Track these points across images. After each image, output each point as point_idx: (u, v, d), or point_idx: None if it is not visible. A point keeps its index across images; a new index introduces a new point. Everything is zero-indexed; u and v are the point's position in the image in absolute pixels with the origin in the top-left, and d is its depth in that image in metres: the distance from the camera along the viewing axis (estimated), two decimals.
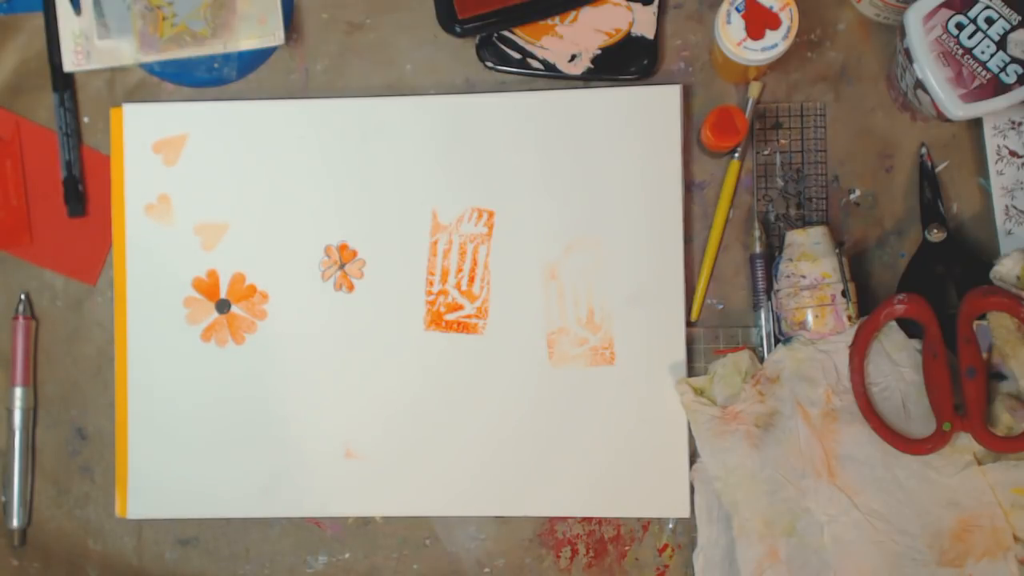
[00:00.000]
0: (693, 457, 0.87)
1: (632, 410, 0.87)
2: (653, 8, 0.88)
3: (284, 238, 0.89)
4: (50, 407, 0.91)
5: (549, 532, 0.89)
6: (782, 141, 0.88)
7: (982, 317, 0.81)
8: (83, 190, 0.91)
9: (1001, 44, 0.79)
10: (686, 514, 0.87)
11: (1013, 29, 0.79)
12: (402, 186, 0.89)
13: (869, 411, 0.82)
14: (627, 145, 0.88)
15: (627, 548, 0.89)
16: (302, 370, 0.89)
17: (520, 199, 0.88)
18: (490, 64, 0.89)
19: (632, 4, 0.88)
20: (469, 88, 0.90)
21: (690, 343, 0.88)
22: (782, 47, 0.81)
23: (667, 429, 0.87)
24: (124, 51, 0.90)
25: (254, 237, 0.90)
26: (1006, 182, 0.86)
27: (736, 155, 0.88)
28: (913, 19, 0.80)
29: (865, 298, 0.86)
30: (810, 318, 0.83)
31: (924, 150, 0.87)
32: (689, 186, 0.89)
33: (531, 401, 0.88)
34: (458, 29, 0.87)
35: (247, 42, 0.89)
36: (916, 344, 0.83)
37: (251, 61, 0.91)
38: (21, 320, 0.91)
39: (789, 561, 0.83)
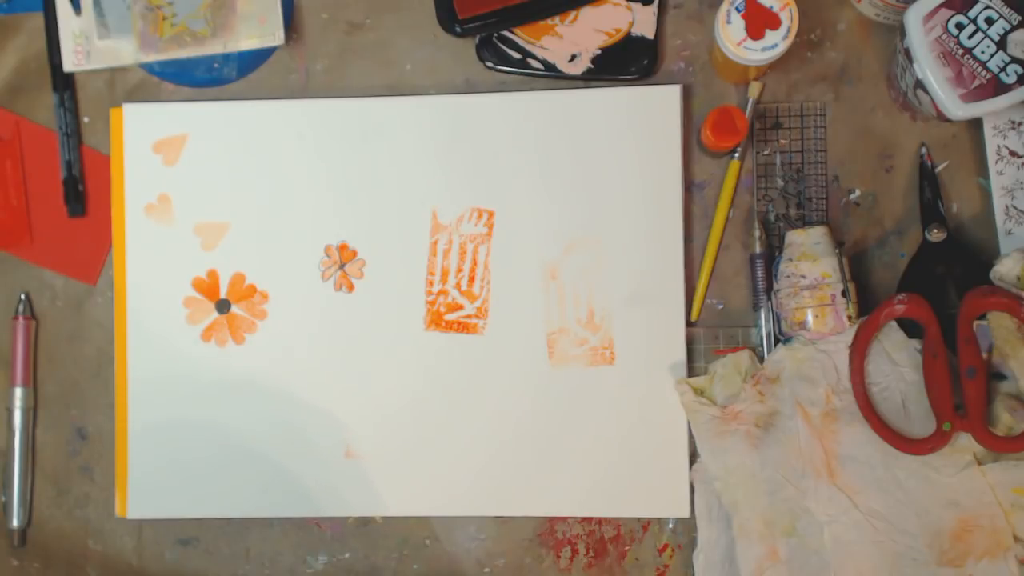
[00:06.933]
0: (693, 457, 0.87)
1: (632, 410, 0.87)
2: (653, 8, 0.88)
3: (284, 238, 0.89)
4: (50, 407, 0.91)
5: (549, 532, 0.89)
6: (782, 141, 0.88)
7: (982, 317, 0.81)
8: (83, 190, 0.91)
9: (1001, 44, 0.79)
10: (686, 514, 0.87)
11: (1013, 29, 0.79)
12: (402, 186, 0.89)
13: (869, 411, 0.82)
14: (627, 145, 0.88)
15: (627, 548, 0.89)
16: (302, 370, 0.89)
17: (520, 199, 0.88)
18: (490, 64, 0.89)
19: (632, 4, 0.88)
20: (469, 88, 0.90)
21: (690, 343, 0.88)
22: (782, 47, 0.81)
23: (667, 429, 0.87)
24: (124, 51, 0.90)
25: (254, 237, 0.90)
26: (1006, 182, 0.86)
27: (736, 155, 0.88)
28: (913, 19, 0.80)
29: (865, 298, 0.86)
30: (810, 318, 0.83)
31: (924, 150, 0.87)
32: (689, 186, 0.88)
33: (531, 401, 0.88)
34: (458, 29, 0.87)
35: (247, 42, 0.89)
36: (916, 344, 0.83)
37: (251, 61, 0.91)
38: (21, 320, 0.91)
39: (789, 561, 0.83)
